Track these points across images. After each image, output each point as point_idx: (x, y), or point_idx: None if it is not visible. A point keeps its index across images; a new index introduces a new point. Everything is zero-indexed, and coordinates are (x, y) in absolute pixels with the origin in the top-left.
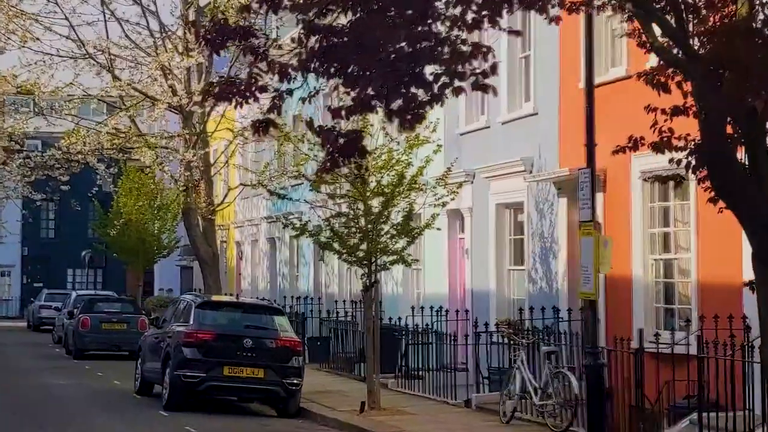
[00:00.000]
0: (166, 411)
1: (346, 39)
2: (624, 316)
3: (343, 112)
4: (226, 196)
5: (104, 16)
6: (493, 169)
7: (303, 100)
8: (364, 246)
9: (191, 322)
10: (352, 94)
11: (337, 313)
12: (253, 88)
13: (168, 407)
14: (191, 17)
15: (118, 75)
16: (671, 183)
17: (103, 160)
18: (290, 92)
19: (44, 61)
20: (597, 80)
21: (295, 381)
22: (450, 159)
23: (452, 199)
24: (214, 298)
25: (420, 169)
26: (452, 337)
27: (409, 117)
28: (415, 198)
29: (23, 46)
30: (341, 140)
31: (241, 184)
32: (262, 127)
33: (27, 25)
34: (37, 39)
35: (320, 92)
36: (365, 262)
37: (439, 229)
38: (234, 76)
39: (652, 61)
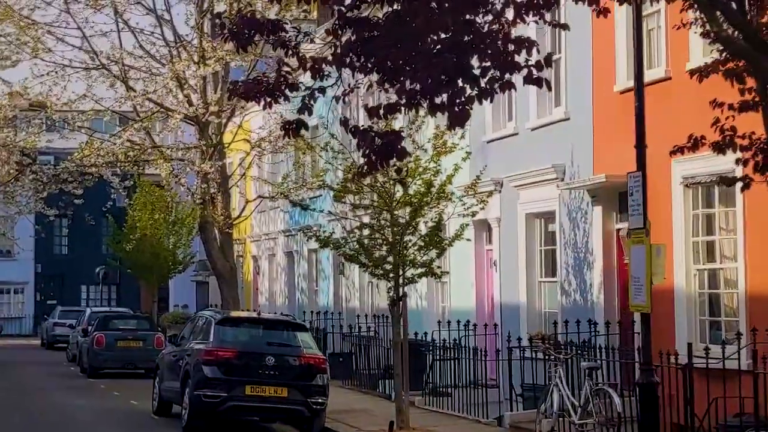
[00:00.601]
0: None
1: (384, 31)
2: (665, 328)
3: (381, 111)
4: (243, 208)
5: (117, 26)
6: (523, 178)
7: (336, 99)
8: (390, 258)
9: (211, 340)
10: (392, 90)
11: (360, 328)
12: (283, 87)
13: (188, 429)
14: (206, 27)
15: (132, 86)
16: (716, 188)
17: (116, 173)
18: (323, 90)
19: (56, 72)
20: (635, 82)
21: (320, 400)
22: (476, 167)
23: (482, 209)
24: (234, 314)
25: (449, 177)
26: (482, 353)
27: (456, 111)
28: (444, 207)
29: (35, 57)
30: (378, 141)
31: (259, 196)
32: (292, 128)
33: (39, 35)
34: (49, 50)
35: (355, 90)
36: (392, 275)
37: (468, 239)
38: (261, 74)
39: (694, 61)
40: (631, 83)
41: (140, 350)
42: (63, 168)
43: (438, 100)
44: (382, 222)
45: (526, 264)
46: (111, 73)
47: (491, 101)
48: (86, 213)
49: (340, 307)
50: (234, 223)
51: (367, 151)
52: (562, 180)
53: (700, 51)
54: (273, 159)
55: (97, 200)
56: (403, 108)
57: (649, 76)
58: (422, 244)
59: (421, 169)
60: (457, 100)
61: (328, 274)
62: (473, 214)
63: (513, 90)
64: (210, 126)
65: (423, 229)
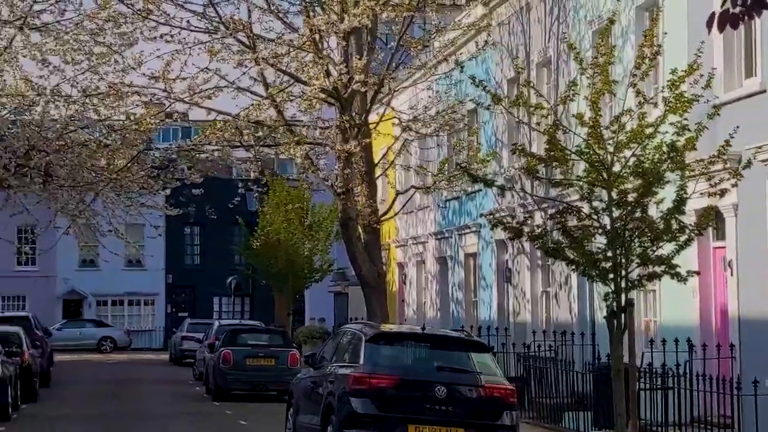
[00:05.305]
0: None
1: None
2: None
3: None
4: (393, 202)
5: None
6: None
7: None
8: (610, 253)
9: (361, 362)
10: None
11: (538, 347)
12: None
13: None
14: None
15: (261, 55)
16: None
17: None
18: None
19: (172, 36)
20: None
21: None
22: (703, 137)
23: (735, 185)
24: (389, 328)
25: (689, 141)
26: (729, 382)
27: None
28: (686, 182)
29: (146, 17)
30: None
31: (412, 186)
32: None
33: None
34: (168, 16)
35: None
36: (611, 275)
37: (715, 227)
38: None
39: None
40: None
41: (272, 369)
42: (178, 149)
43: None
44: (599, 203)
45: None
46: (238, 40)
47: None
48: (212, 212)
49: (506, 321)
50: (382, 219)
51: None
52: None
53: None
54: (424, 144)
55: (224, 202)
56: None
57: None
58: (653, 233)
59: (650, 130)
60: None
61: (490, 282)
62: (722, 193)
63: None
64: (354, 102)
65: (654, 213)
